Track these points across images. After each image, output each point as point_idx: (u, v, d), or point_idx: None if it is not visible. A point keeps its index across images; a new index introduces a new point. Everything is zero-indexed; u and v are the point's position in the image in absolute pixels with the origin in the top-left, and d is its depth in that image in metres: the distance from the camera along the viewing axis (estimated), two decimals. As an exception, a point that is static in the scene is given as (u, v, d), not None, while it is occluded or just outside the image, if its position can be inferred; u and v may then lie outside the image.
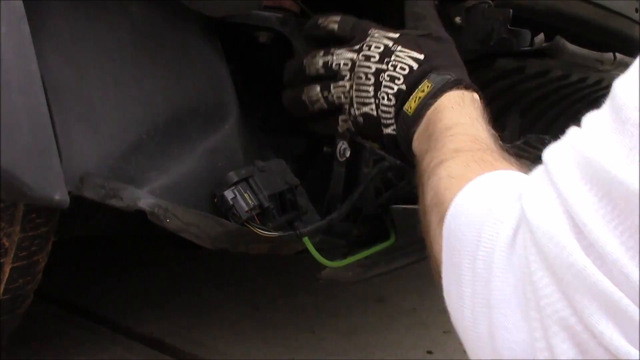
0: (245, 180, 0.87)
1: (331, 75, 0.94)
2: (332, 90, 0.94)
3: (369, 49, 0.91)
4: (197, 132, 0.91)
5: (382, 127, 0.90)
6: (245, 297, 1.80)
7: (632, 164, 0.41)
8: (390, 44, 0.91)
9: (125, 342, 1.51)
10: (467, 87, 0.84)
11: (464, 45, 1.04)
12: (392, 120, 0.89)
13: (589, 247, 0.42)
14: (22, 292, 0.94)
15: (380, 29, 0.94)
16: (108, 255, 2.08)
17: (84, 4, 0.83)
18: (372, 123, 0.91)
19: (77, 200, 0.79)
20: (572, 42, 1.18)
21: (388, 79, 0.89)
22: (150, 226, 0.82)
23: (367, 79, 0.91)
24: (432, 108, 0.82)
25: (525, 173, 0.57)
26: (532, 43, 1.07)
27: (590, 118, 0.46)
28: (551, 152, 0.48)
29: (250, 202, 0.86)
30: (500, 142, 0.73)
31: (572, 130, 0.48)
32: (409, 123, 0.84)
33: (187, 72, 0.92)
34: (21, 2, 0.72)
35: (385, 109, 0.89)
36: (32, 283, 0.96)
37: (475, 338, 0.50)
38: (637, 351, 0.41)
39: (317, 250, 0.93)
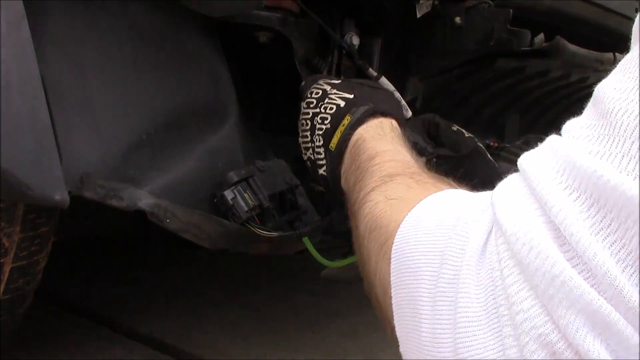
0: (245, 180, 0.87)
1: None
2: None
3: (310, 96, 0.93)
4: (197, 132, 0.91)
5: (317, 169, 0.90)
6: (245, 297, 1.80)
7: (625, 170, 0.37)
8: (328, 88, 0.92)
9: (125, 342, 1.51)
10: (384, 115, 0.84)
11: (464, 45, 1.04)
12: (324, 162, 0.89)
13: (575, 258, 0.39)
14: (22, 292, 0.94)
15: (328, 77, 0.95)
16: (108, 255, 2.08)
17: (84, 4, 0.83)
18: (313, 167, 0.92)
19: (77, 200, 0.79)
20: (572, 42, 1.18)
21: (320, 120, 0.89)
22: (150, 226, 0.82)
23: (306, 124, 0.92)
24: (354, 142, 0.81)
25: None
26: (532, 43, 1.08)
27: (572, 124, 0.43)
28: (529, 159, 0.44)
29: (250, 202, 0.86)
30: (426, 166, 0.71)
31: (551, 137, 0.44)
32: (334, 161, 0.84)
33: (187, 72, 0.92)
34: (21, 2, 0.72)
35: (318, 150, 0.89)
36: (32, 283, 0.96)
37: None
38: None
39: (317, 250, 0.93)
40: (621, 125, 0.39)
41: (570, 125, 0.43)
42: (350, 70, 1.06)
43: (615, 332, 0.38)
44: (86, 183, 0.80)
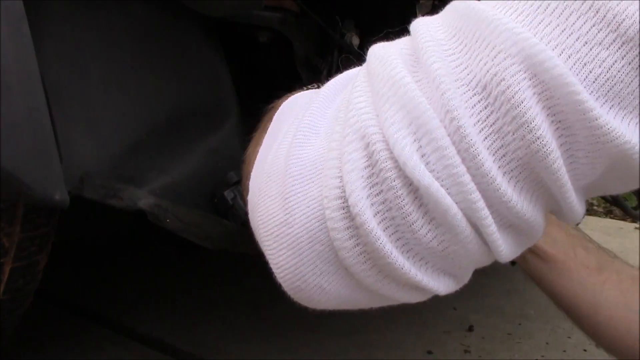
0: (245, 180, 0.87)
1: None
2: None
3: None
4: (197, 132, 0.91)
5: None
6: (245, 297, 1.80)
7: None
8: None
9: (125, 342, 1.51)
10: None
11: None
12: None
13: (418, 72, 0.41)
14: (22, 292, 0.94)
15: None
16: (108, 255, 2.08)
17: (84, 4, 0.83)
18: None
19: (77, 200, 0.79)
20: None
21: None
22: (150, 226, 0.82)
23: None
24: None
25: None
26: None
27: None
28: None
29: (250, 202, 0.86)
30: None
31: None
32: None
33: (187, 72, 0.92)
34: (21, 2, 0.72)
35: None
36: (32, 283, 0.96)
37: (270, 172, 0.46)
38: (423, 166, 0.39)
39: (317, 250, 0.92)
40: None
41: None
42: (350, 70, 1.06)
43: (427, 130, 0.39)
44: (86, 183, 0.80)
